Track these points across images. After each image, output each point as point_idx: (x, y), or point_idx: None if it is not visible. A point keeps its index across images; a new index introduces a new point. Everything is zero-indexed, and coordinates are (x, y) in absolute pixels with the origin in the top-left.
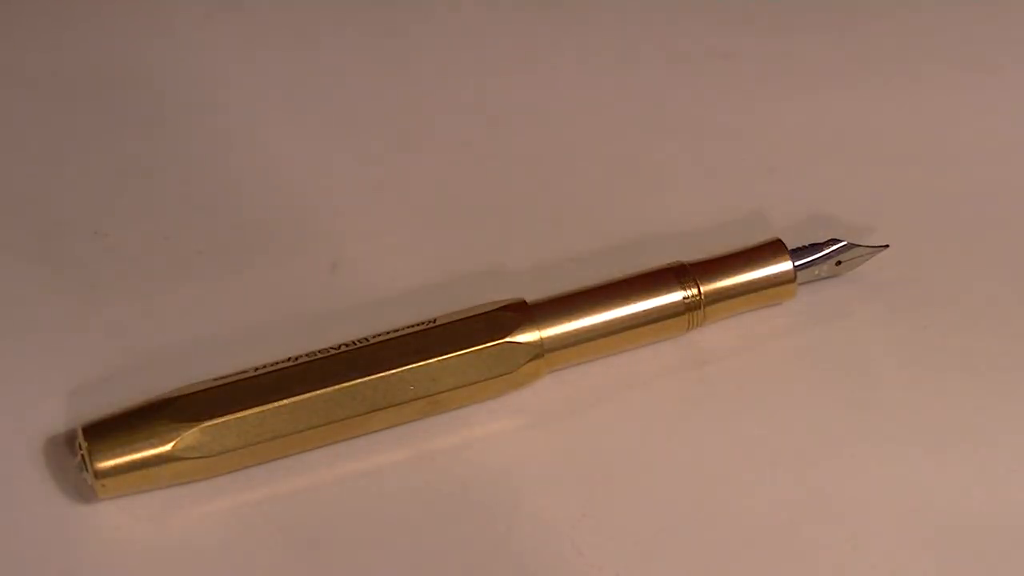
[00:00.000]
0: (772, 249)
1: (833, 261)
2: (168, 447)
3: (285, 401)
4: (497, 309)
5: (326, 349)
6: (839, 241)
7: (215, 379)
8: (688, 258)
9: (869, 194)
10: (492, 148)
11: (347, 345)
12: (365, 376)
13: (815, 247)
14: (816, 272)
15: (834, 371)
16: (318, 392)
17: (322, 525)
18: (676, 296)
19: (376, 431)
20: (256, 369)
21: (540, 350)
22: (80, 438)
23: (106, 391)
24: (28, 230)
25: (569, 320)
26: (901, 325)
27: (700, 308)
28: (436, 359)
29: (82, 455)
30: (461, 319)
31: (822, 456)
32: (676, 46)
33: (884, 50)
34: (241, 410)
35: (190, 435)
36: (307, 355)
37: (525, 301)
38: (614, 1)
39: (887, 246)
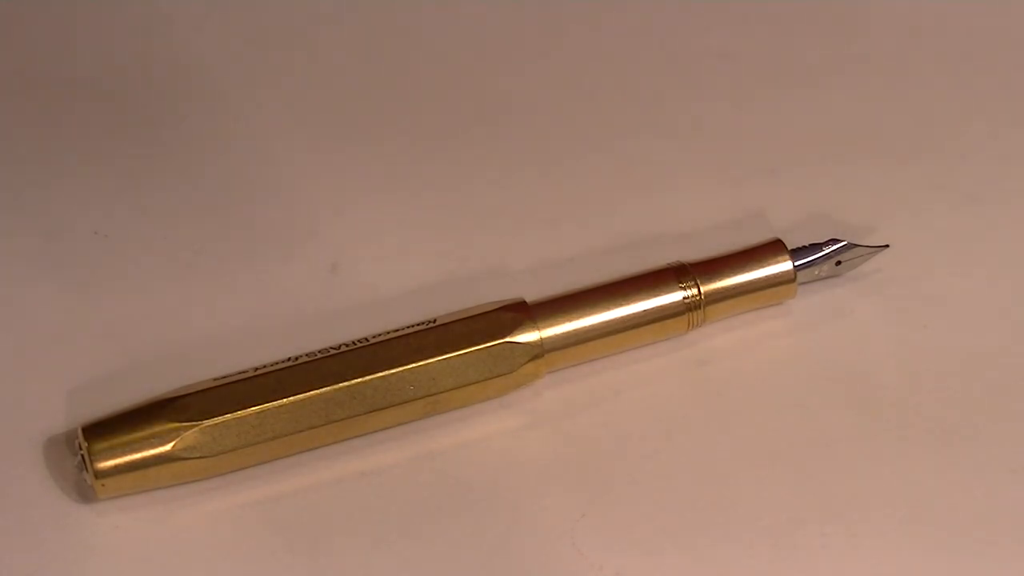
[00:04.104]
0: (772, 249)
1: (833, 261)
2: (168, 447)
3: (285, 401)
4: (497, 309)
5: (326, 349)
6: (839, 241)
7: (215, 379)
8: (688, 258)
9: (869, 194)
10: (492, 148)
11: (347, 345)
12: (365, 376)
13: (815, 247)
14: (816, 272)
15: (834, 371)
16: (318, 392)
17: (322, 525)
18: (676, 296)
19: (376, 431)
20: (256, 369)
21: (540, 350)
22: (80, 438)
23: (106, 391)
24: (28, 230)
25: (569, 320)
26: (901, 325)
27: (700, 308)
28: (436, 359)
29: (82, 455)
30: (461, 319)
31: (822, 456)
32: (676, 46)
33: (884, 50)
34: (241, 410)
35: (190, 435)
36: (307, 355)
37: (525, 301)
38: (614, 1)
39: (887, 246)
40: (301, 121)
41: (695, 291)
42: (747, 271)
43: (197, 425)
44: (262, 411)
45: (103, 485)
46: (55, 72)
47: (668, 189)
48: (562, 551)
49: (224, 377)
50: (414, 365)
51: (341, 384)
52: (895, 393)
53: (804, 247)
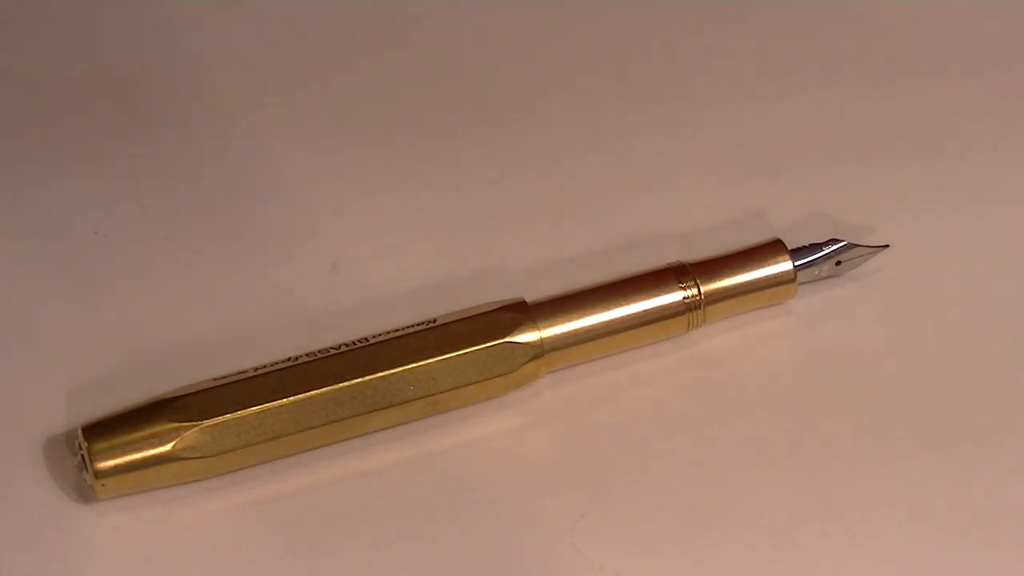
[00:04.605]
0: (772, 249)
1: (833, 261)
2: (168, 447)
3: (285, 401)
4: (497, 309)
5: (326, 349)
6: (839, 241)
7: (215, 379)
8: (688, 258)
9: (869, 194)
10: (492, 148)
11: (347, 345)
12: (365, 376)
13: (815, 247)
14: (816, 272)
15: (834, 371)
16: (318, 392)
17: (322, 525)
18: (676, 296)
19: (376, 431)
20: (256, 369)
21: (540, 350)
22: (80, 438)
23: (106, 391)
24: (28, 230)
25: (569, 320)
26: (901, 325)
27: (700, 308)
28: (436, 359)
29: (82, 455)
30: (461, 319)
31: (822, 456)
32: (676, 46)
33: (884, 50)
34: (241, 410)
35: (190, 435)
36: (307, 355)
37: (525, 301)
38: (614, 1)
39: (887, 246)
40: (301, 121)
41: (695, 291)
42: (747, 271)
43: (197, 425)
44: (262, 411)
45: (103, 485)
46: (55, 72)
47: (668, 189)
48: (562, 551)
49: (224, 377)
50: (414, 365)
51: (341, 384)
52: (895, 393)
53: (804, 247)
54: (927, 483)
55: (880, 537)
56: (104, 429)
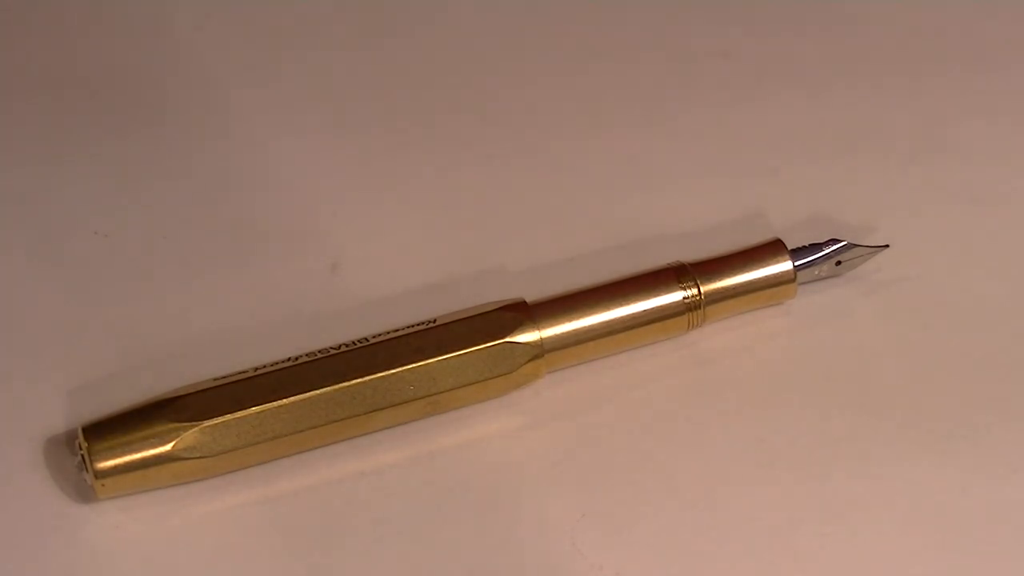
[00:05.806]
0: (772, 249)
1: (833, 261)
2: (168, 447)
3: (285, 401)
4: (497, 309)
5: (326, 349)
6: (839, 241)
7: (215, 379)
8: (688, 258)
9: (869, 194)
10: (492, 148)
11: (347, 345)
12: (365, 376)
13: (815, 247)
14: (816, 272)
15: (834, 371)
16: (318, 392)
17: (322, 525)
18: (676, 296)
19: (376, 431)
20: (256, 369)
21: (540, 350)
22: (80, 438)
23: (106, 391)
24: (28, 230)
25: (569, 320)
26: (901, 325)
27: (700, 308)
28: (436, 359)
29: (82, 455)
30: (461, 319)
31: (822, 456)
32: (676, 46)
33: (884, 50)
34: (241, 410)
35: (190, 435)
36: (307, 355)
37: (525, 301)
38: (614, 1)
39: (887, 246)
40: (301, 120)
41: (695, 291)
42: (747, 271)
43: (197, 425)
44: (262, 411)
45: (103, 485)
46: (55, 72)
47: (668, 189)
48: (562, 551)
49: (224, 377)
50: (414, 365)
51: (341, 384)
52: (895, 393)
53: (804, 247)
54: (927, 483)
55: (880, 537)
56: (104, 429)
